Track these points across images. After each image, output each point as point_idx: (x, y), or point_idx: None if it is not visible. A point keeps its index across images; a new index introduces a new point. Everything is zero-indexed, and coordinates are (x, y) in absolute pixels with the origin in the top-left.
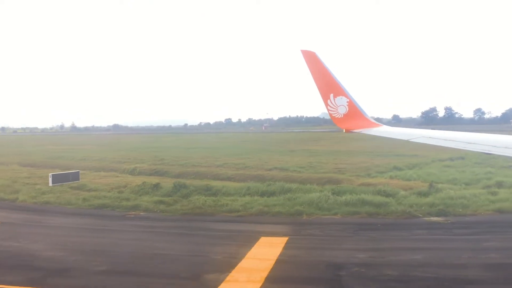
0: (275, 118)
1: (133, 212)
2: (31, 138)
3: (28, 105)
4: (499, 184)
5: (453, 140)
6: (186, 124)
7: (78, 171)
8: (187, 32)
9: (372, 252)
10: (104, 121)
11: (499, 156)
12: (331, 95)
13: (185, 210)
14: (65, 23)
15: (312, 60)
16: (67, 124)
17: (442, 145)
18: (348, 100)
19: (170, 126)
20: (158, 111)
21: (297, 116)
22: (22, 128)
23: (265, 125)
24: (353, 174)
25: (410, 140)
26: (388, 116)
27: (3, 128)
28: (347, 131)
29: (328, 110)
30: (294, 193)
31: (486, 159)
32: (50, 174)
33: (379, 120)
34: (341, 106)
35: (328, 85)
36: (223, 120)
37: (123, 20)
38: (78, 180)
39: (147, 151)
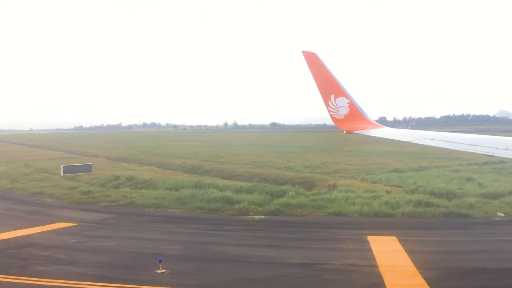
0: (437, 116)
1: (45, 199)
2: (180, 134)
3: (201, 105)
4: (415, 190)
5: (454, 141)
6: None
7: (90, 164)
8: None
9: (83, 237)
10: (262, 119)
11: (500, 158)
12: (332, 96)
13: (80, 199)
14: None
15: (313, 61)
16: (230, 122)
17: (444, 146)
18: (348, 101)
19: (317, 125)
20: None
21: (462, 114)
22: (191, 126)
23: (411, 124)
24: (338, 176)
25: (411, 141)
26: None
27: (175, 126)
28: (348, 132)
29: (328, 111)
30: (194, 189)
31: None
32: (62, 165)
33: None
34: (341, 107)
35: (328, 86)
36: (377, 118)
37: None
38: (90, 171)
39: (223, 148)
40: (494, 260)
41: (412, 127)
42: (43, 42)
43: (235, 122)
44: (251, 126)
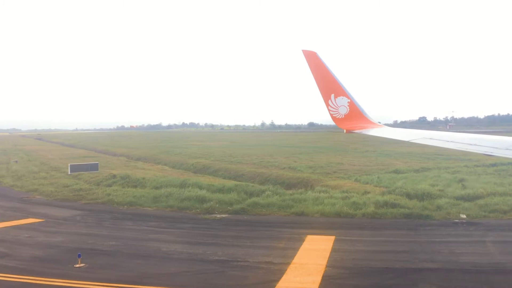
0: (481, 116)
1: (35, 196)
2: (214, 134)
3: (240, 105)
4: (392, 191)
5: (454, 141)
6: (379, 122)
7: (97, 163)
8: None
9: (37, 233)
10: (300, 119)
11: (501, 157)
12: (332, 95)
13: (66, 197)
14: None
15: (313, 60)
16: (268, 122)
17: (443, 146)
18: (349, 100)
19: None
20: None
21: (508, 114)
22: (228, 126)
23: (450, 124)
24: (335, 176)
25: (410, 141)
26: None
27: (213, 126)
28: (348, 131)
29: (328, 110)
30: (175, 188)
31: None
32: (69, 164)
33: None
34: (342, 106)
35: (329, 85)
36: (417, 118)
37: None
38: (97, 170)
39: (243, 148)
40: (409, 261)
41: (451, 128)
42: (84, 45)
43: (272, 122)
44: (288, 126)
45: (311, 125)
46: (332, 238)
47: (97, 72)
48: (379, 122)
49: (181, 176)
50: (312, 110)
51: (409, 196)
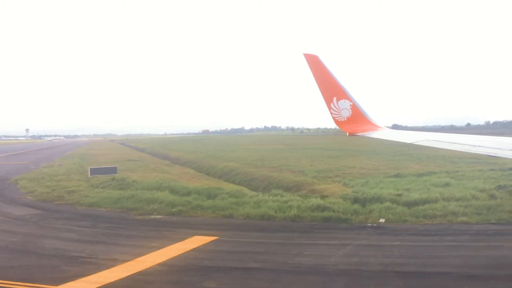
0: None
1: (26, 196)
2: (285, 137)
3: (320, 108)
4: (345, 195)
5: (458, 143)
6: (468, 124)
7: (116, 167)
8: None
9: None
10: (387, 120)
11: (504, 158)
12: (334, 99)
13: (48, 198)
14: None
15: (315, 64)
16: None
17: (447, 147)
18: (351, 103)
19: (442, 127)
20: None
21: None
22: (307, 129)
23: None
24: (331, 180)
25: (413, 143)
26: None
27: (293, 129)
28: (351, 134)
29: (331, 113)
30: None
31: None
32: (89, 168)
33: None
34: (344, 109)
35: (331, 89)
36: (502, 120)
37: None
38: (116, 173)
39: (287, 152)
40: (243, 260)
41: None
42: (171, 51)
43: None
44: None
45: (395, 126)
46: (213, 238)
47: (189, 76)
48: (468, 123)
49: (190, 180)
50: (396, 111)
51: (356, 200)
